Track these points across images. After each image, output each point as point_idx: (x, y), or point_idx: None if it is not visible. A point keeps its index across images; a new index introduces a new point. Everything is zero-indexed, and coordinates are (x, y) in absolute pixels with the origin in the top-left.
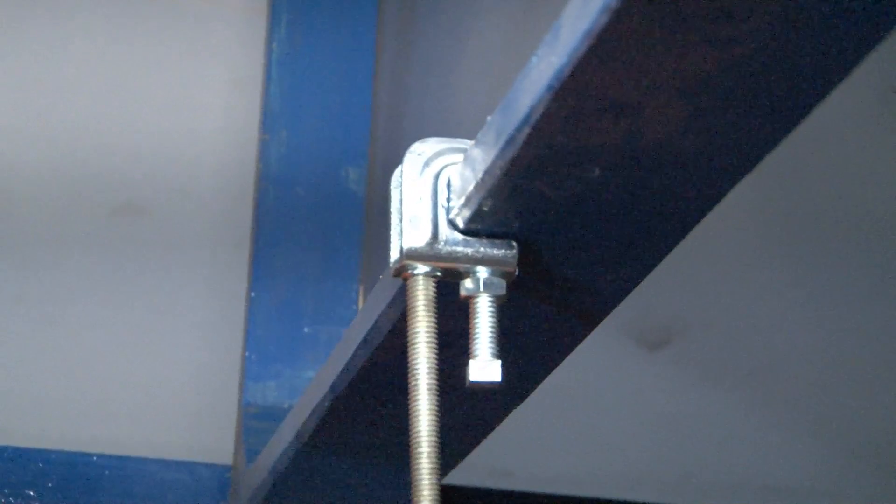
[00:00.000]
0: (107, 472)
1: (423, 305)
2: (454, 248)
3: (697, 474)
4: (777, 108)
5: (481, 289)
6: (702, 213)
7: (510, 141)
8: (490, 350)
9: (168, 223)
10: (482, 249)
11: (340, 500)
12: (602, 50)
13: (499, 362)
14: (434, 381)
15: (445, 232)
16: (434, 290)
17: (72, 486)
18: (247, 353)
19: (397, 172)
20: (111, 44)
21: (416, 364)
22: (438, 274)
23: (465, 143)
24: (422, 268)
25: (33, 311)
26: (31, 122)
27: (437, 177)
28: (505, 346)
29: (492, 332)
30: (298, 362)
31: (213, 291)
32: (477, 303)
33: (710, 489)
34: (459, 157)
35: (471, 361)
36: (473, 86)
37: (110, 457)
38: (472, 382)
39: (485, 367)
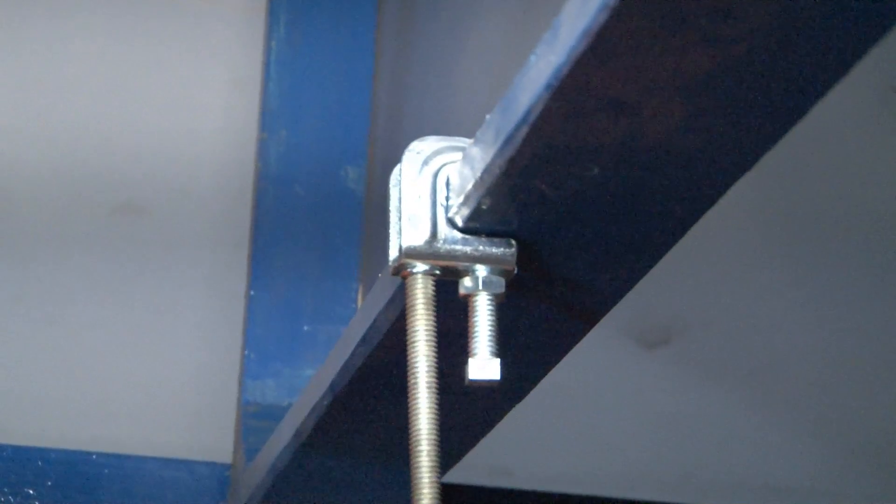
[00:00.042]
0: (106, 470)
1: (422, 304)
2: (453, 246)
3: (697, 474)
4: (776, 106)
5: (480, 287)
6: (700, 212)
7: (509, 140)
8: (489, 348)
9: (168, 223)
10: (481, 248)
11: (340, 499)
12: (601, 49)
13: (498, 361)
14: (433, 380)
15: (444, 230)
16: (433, 288)
17: (71, 485)
18: (246, 352)
19: (396, 171)
20: (110, 43)
21: (416, 362)
22: (437, 272)
23: (464, 142)
24: (421, 266)
25: (33, 310)
26: (30, 121)
27: (435, 175)
28: (504, 345)
29: (491, 330)
30: (297, 361)
31: (213, 290)
32: (476, 301)
33: (710, 489)
34: (458, 155)
35: (470, 360)
36: (473, 85)
37: (109, 455)
38: (472, 381)
39: (484, 365)
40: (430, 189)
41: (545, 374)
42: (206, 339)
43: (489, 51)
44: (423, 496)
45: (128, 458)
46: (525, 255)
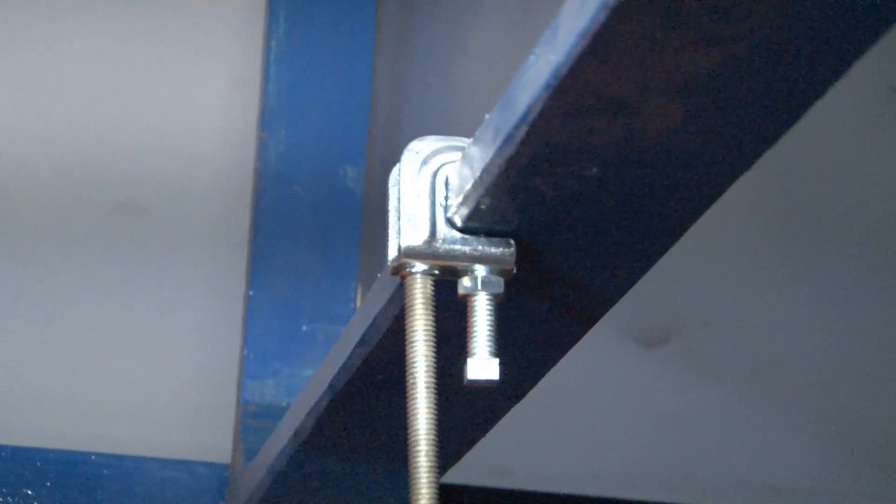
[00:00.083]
0: (105, 470)
1: (421, 304)
2: (452, 246)
3: (697, 473)
4: (775, 106)
5: (479, 287)
6: (699, 212)
7: (508, 139)
8: (488, 348)
9: (167, 222)
10: (480, 248)
11: (338, 499)
12: (600, 48)
13: (497, 360)
14: (432, 380)
15: (443, 230)
16: (432, 288)
17: (70, 485)
18: (245, 352)
19: (395, 171)
20: (110, 43)
21: (414, 362)
22: (436, 272)
23: (464, 142)
24: (420, 266)
25: (32, 310)
26: (30, 121)
27: (435, 175)
28: (503, 345)
29: (490, 330)
30: (297, 361)
31: (212, 290)
32: (475, 301)
33: (710, 489)
34: (457, 155)
35: (469, 360)
36: (472, 84)
37: (108, 455)
38: (470, 381)
39: (483, 365)
40: (430, 189)
41: (544, 374)
42: (206, 339)
43: (488, 50)
44: (421, 496)
45: (126, 458)
46: (524, 254)
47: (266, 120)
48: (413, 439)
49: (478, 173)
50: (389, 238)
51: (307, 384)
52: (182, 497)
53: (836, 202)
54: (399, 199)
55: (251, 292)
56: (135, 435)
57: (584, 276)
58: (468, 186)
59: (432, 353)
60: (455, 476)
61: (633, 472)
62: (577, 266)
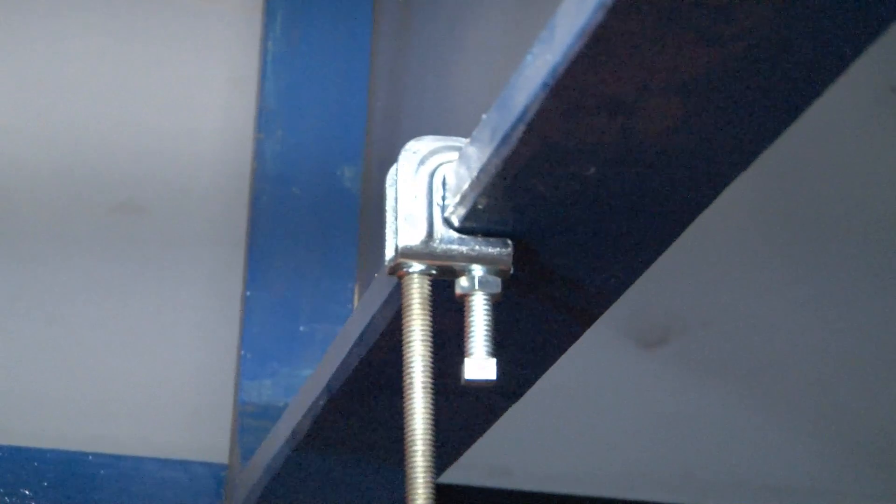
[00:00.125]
0: (102, 470)
1: (419, 304)
2: (449, 246)
3: (697, 473)
4: (773, 105)
5: (476, 287)
6: (697, 212)
7: (505, 139)
8: (485, 348)
9: (166, 222)
10: (477, 247)
11: (335, 499)
12: (597, 47)
13: (494, 360)
14: (429, 380)
15: (440, 230)
16: (429, 288)
17: (68, 485)
18: (242, 352)
19: (392, 171)
20: (110, 43)
21: (412, 362)
22: (433, 272)
23: (461, 142)
24: (417, 266)
25: (31, 309)
26: (30, 121)
27: (432, 175)
28: (500, 345)
29: (487, 330)
30: (294, 361)
31: (210, 290)
32: (472, 301)
33: (710, 488)
34: (455, 155)
35: (466, 360)
36: (470, 84)
37: (106, 455)
38: (468, 381)
39: (480, 365)
40: (427, 189)
41: (542, 374)
42: (204, 339)
43: (487, 50)
44: (417, 496)
45: (124, 458)
46: (521, 254)
47: (263, 120)
48: (410, 439)
49: (475, 173)
50: (387, 238)
51: (304, 384)
52: (180, 497)
53: (836, 202)
54: (396, 199)
55: (249, 292)
56: (132, 435)
57: (581, 276)
58: (465, 186)
59: (429, 353)
60: (454, 476)
61: (632, 472)
62: (574, 266)
